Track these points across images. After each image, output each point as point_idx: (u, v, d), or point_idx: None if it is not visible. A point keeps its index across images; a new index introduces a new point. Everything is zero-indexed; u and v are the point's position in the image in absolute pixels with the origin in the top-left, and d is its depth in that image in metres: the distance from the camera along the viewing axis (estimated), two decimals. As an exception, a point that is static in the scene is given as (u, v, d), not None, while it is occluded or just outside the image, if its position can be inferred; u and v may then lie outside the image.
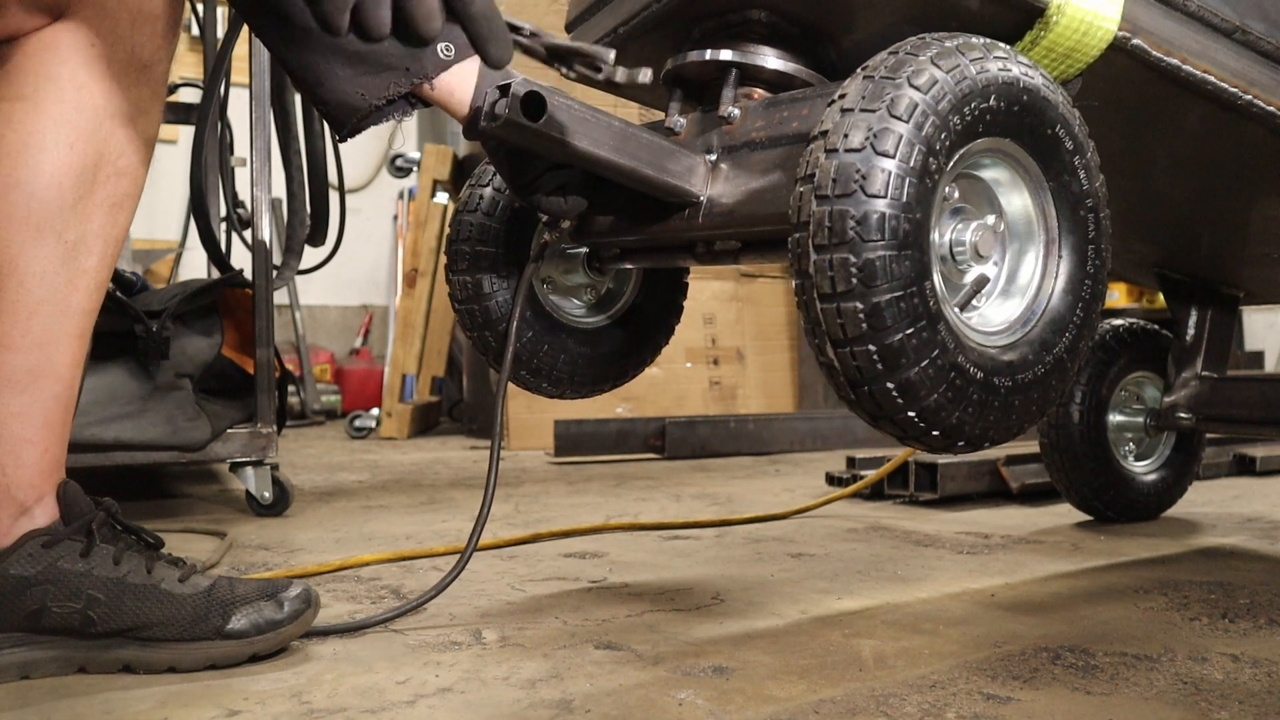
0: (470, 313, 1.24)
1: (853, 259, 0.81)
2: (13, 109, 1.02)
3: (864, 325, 0.82)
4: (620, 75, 0.94)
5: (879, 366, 0.83)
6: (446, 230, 1.28)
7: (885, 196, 0.81)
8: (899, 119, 0.83)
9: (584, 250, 1.26)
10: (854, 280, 0.81)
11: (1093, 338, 0.97)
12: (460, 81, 0.96)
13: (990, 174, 0.95)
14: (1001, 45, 0.91)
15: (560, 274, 1.27)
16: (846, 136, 0.83)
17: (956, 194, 0.93)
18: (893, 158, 0.82)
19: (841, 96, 0.87)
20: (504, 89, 0.95)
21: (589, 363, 1.29)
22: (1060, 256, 0.96)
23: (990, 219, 0.95)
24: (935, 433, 0.88)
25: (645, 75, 0.94)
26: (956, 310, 0.92)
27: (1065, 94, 0.94)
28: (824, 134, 0.85)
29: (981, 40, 0.90)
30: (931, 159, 0.84)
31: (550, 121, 0.95)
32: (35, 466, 1.05)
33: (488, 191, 1.23)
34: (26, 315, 1.03)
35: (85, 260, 1.05)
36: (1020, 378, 0.91)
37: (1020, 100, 0.89)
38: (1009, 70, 0.89)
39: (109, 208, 1.06)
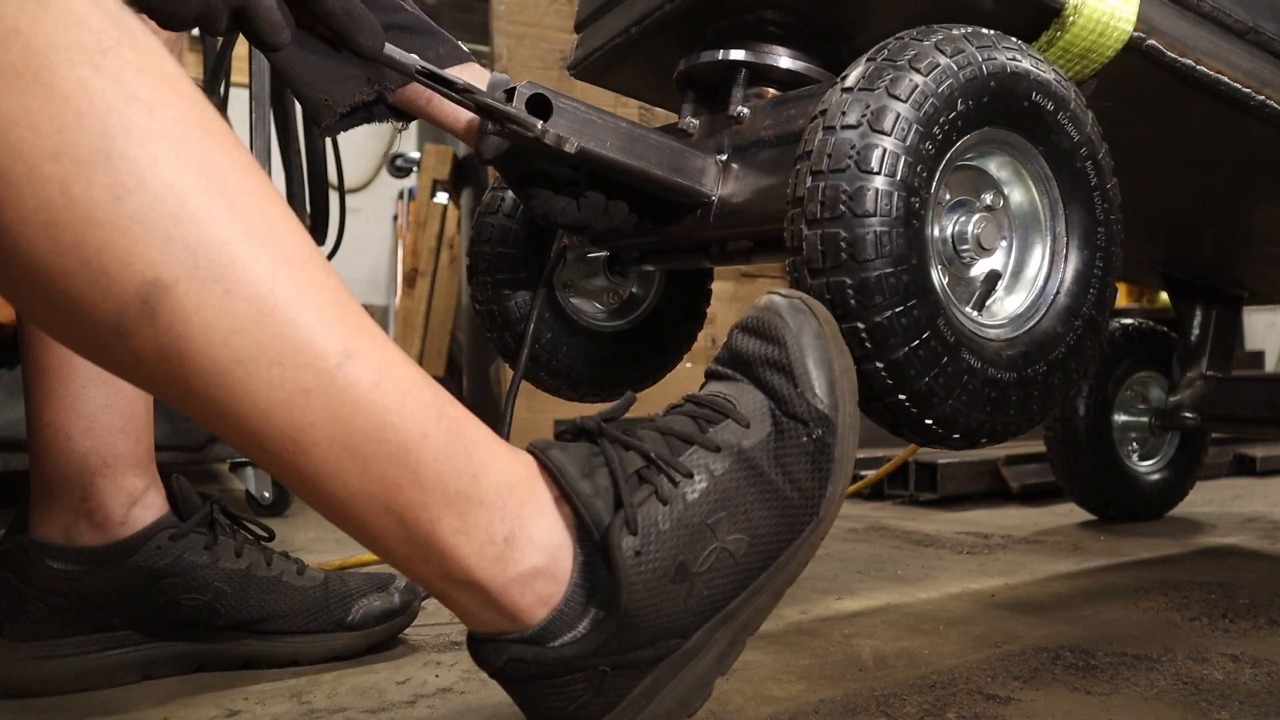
0: (490, 313, 1.24)
1: (861, 325, 0.81)
2: None
3: (888, 381, 0.82)
4: (549, 139, 0.94)
5: (914, 411, 0.83)
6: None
7: (876, 258, 0.79)
8: (871, 173, 0.80)
9: (605, 254, 1.26)
10: (868, 345, 0.81)
11: (1116, 283, 0.95)
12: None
13: (978, 161, 0.94)
14: (958, 30, 0.87)
15: (581, 277, 1.27)
16: (823, 205, 0.81)
17: (948, 195, 0.91)
18: (874, 215, 0.80)
19: (806, 154, 0.83)
20: (509, 93, 0.94)
21: (610, 365, 1.28)
22: (1067, 216, 0.94)
23: (988, 197, 0.93)
24: (984, 440, 0.89)
25: (571, 146, 0.95)
26: (974, 313, 0.90)
27: (1034, 56, 0.90)
28: (800, 200, 0.83)
29: (936, 36, 0.86)
30: (914, 198, 0.81)
31: (556, 123, 0.95)
32: (132, 456, 1.06)
33: (510, 194, 1.23)
34: None
35: None
36: (1053, 355, 0.90)
37: (988, 88, 0.86)
38: (970, 64, 0.85)
39: None
